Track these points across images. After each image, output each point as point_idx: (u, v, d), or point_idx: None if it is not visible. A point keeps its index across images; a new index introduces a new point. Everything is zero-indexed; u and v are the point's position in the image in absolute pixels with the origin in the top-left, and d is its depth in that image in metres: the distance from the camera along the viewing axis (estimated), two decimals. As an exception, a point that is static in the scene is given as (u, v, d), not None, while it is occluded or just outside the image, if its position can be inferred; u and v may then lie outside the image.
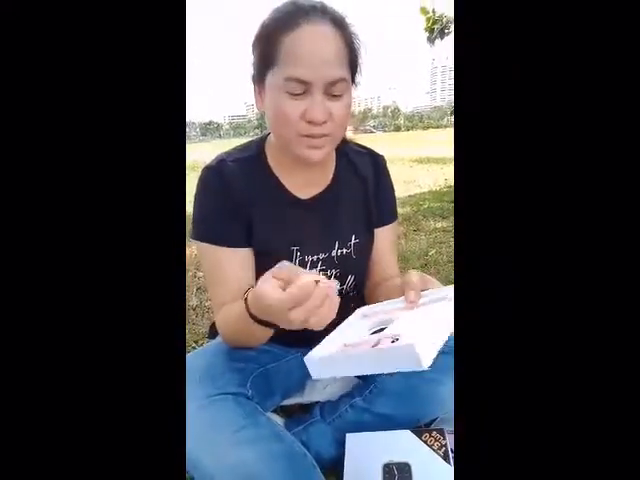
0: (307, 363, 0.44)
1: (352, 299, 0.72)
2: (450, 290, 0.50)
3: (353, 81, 0.59)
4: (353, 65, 0.57)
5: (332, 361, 0.44)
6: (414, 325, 0.46)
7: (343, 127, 0.59)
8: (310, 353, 0.45)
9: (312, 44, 0.52)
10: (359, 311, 0.59)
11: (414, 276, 0.52)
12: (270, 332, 0.55)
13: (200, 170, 0.63)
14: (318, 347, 0.47)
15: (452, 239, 1.99)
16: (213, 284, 0.64)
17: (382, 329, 0.48)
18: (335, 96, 0.54)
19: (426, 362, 0.39)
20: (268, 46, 0.54)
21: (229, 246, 0.61)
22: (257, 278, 0.66)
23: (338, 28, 0.54)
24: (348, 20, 0.56)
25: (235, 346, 0.64)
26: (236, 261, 0.62)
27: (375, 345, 0.42)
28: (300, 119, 0.54)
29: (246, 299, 0.51)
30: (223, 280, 0.62)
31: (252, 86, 0.61)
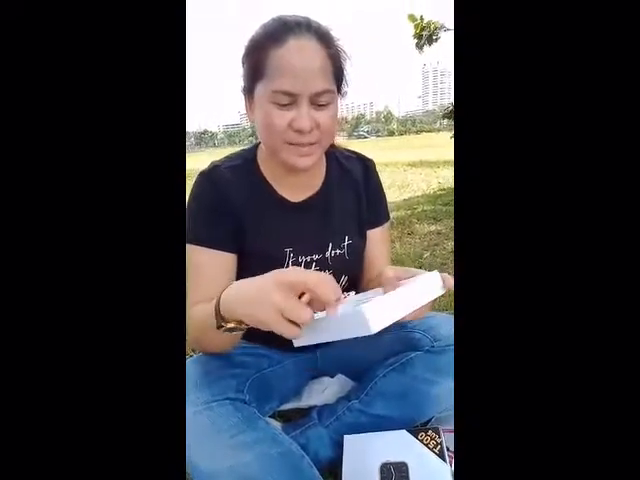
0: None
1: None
2: (427, 275, 0.53)
3: (339, 92, 0.61)
4: (338, 76, 0.60)
5: (310, 328, 0.46)
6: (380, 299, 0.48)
7: (330, 135, 0.61)
8: None
9: (297, 58, 0.54)
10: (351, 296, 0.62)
11: (390, 271, 0.54)
12: (234, 339, 0.56)
13: (194, 177, 0.66)
14: None
15: (446, 241, 2.00)
16: (191, 283, 0.64)
17: None
18: (321, 105, 0.57)
19: (374, 327, 0.41)
20: (256, 60, 0.56)
21: (214, 248, 0.63)
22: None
23: (323, 42, 0.56)
24: (333, 34, 0.59)
25: (201, 349, 0.65)
26: (218, 264, 0.63)
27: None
28: (287, 128, 0.57)
29: (218, 300, 0.50)
30: (201, 280, 0.62)
31: (243, 98, 0.63)
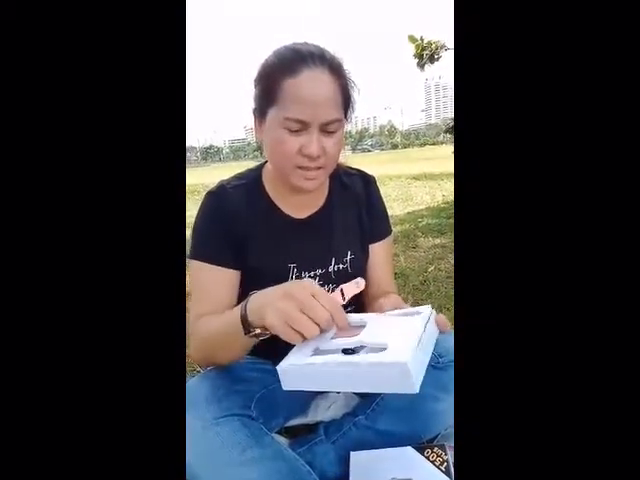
0: (279, 373, 0.45)
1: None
2: (423, 308, 0.51)
3: (346, 117, 0.65)
4: (347, 105, 0.64)
5: (302, 373, 0.43)
6: (389, 333, 0.45)
7: (335, 159, 0.64)
8: (281, 362, 0.45)
9: (311, 89, 0.58)
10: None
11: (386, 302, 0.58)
12: (244, 349, 0.58)
13: (201, 193, 0.69)
14: (289, 355, 0.47)
15: (450, 255, 2.01)
16: (195, 298, 0.66)
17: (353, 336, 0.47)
18: (329, 132, 0.61)
19: (417, 386, 0.35)
20: (270, 87, 0.60)
21: (218, 265, 0.66)
22: (244, 296, 0.68)
23: (334, 73, 0.60)
24: (344, 65, 0.62)
25: (206, 362, 0.66)
26: (223, 280, 0.66)
27: (350, 352, 0.41)
28: (297, 153, 0.60)
29: (245, 307, 0.51)
30: (205, 295, 0.65)
31: (252, 117, 0.67)
